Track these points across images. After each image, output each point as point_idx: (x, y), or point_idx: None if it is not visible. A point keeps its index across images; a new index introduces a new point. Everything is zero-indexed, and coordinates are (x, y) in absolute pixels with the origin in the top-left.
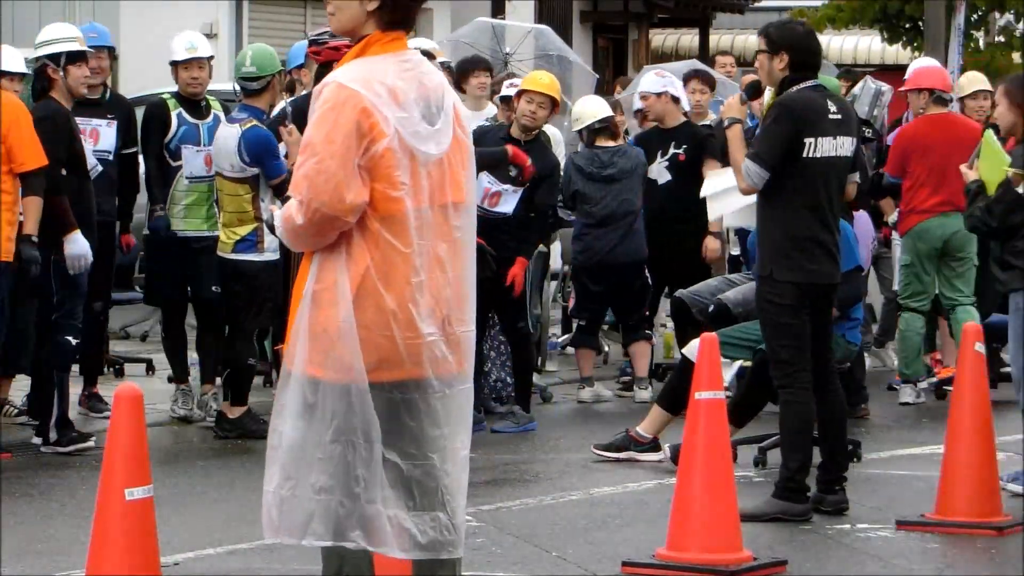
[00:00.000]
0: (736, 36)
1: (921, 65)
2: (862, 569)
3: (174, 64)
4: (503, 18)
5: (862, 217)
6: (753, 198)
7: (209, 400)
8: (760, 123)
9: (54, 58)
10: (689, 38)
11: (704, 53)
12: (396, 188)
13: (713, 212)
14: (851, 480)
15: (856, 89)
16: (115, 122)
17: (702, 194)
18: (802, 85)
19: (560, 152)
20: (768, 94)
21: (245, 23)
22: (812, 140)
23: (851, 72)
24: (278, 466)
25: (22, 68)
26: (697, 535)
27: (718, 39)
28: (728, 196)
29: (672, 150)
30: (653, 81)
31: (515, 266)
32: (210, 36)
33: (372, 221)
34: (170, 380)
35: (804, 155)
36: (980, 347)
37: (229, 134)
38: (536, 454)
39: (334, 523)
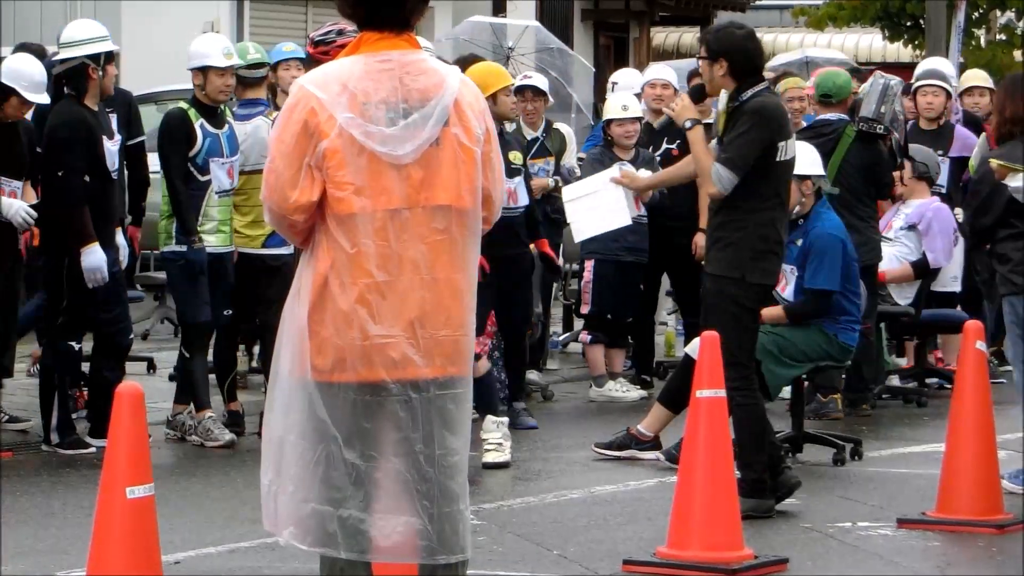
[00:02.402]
0: None
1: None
2: (863, 567)
3: (205, 69)
4: (504, 16)
5: (943, 209)
6: (616, 203)
7: (186, 419)
8: (720, 127)
9: (94, 58)
10: (691, 36)
11: None
12: (340, 189)
13: (578, 231)
14: (852, 478)
15: (865, 86)
16: (114, 115)
17: (567, 202)
18: (758, 88)
19: (571, 150)
20: (722, 99)
21: (246, 22)
22: (784, 144)
23: (858, 71)
24: (269, 460)
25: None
26: (698, 533)
27: None
28: (593, 206)
29: (665, 145)
30: (673, 73)
31: (544, 247)
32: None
33: (330, 221)
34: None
35: (777, 159)
36: (981, 345)
37: (259, 125)
38: (537, 452)
39: (269, 517)
